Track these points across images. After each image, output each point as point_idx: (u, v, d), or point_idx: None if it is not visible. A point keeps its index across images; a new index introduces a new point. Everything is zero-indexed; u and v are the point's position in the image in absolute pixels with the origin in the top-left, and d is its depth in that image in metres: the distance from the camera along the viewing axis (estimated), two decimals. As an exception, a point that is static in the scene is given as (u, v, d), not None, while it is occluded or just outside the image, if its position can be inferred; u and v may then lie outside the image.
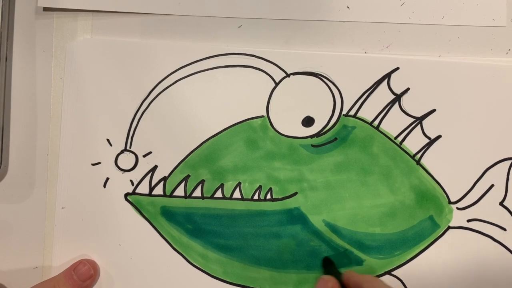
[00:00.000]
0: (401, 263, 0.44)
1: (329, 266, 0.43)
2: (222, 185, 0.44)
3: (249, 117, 0.44)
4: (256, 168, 0.44)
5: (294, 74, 0.44)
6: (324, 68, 0.44)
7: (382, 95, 0.44)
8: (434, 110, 0.44)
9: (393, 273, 0.44)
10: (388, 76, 0.43)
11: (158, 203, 0.44)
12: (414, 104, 0.44)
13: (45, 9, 0.44)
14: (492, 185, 0.44)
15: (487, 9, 0.44)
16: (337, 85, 0.44)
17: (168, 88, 0.44)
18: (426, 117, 0.44)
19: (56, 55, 0.44)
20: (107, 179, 0.44)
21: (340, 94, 0.44)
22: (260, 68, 0.44)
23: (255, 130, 0.44)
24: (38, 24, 0.44)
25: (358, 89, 0.44)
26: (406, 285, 0.44)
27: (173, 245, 0.44)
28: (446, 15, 0.44)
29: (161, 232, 0.44)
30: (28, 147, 0.45)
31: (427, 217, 0.44)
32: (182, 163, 0.44)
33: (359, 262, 0.44)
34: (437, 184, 0.44)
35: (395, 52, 0.44)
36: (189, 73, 0.44)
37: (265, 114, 0.44)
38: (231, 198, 0.44)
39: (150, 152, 0.44)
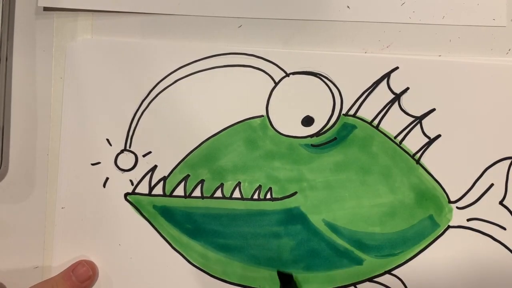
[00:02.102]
0: (401, 262, 0.44)
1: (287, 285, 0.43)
2: (221, 185, 0.44)
3: (249, 116, 0.44)
4: (256, 167, 0.44)
5: (293, 73, 0.44)
6: (323, 68, 0.44)
7: (382, 95, 0.44)
8: (433, 110, 0.44)
9: (393, 272, 0.44)
10: (387, 75, 0.43)
11: (158, 203, 0.44)
12: (413, 104, 0.44)
13: (45, 9, 0.44)
14: (492, 184, 0.44)
15: (487, 9, 0.44)
16: (337, 84, 0.44)
17: (168, 88, 0.44)
18: (425, 116, 0.44)
19: (56, 55, 0.44)
20: (107, 179, 0.44)
21: (339, 93, 0.44)
22: (259, 68, 0.44)
23: (254, 130, 0.44)
24: (38, 24, 0.44)
25: (358, 88, 0.44)
26: (406, 284, 0.44)
27: (173, 244, 0.44)
28: (446, 15, 0.44)
29: (161, 232, 0.44)
30: (28, 147, 0.45)
31: (426, 216, 0.44)
32: (182, 163, 0.44)
33: (359, 261, 0.44)
34: (436, 184, 0.44)
35: (395, 52, 0.44)
36: (189, 73, 0.44)
37: (264, 113, 0.44)
38: (230, 197, 0.44)
39: (150, 152, 0.44)
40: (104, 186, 0.44)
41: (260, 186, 0.44)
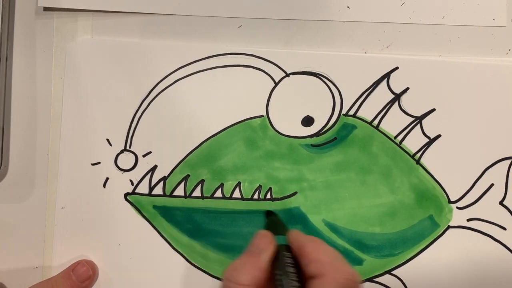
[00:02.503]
0: (401, 262, 0.44)
1: (272, 219, 0.43)
2: (221, 185, 0.44)
3: (249, 116, 0.44)
4: (256, 167, 0.44)
5: (293, 74, 0.44)
6: (323, 68, 0.44)
7: (382, 95, 0.44)
8: (433, 110, 0.44)
9: (393, 272, 0.44)
10: (387, 75, 0.43)
11: (158, 203, 0.44)
12: (413, 104, 0.44)
13: (45, 9, 0.44)
14: (492, 185, 0.44)
15: (487, 9, 0.44)
16: (337, 84, 0.44)
17: (168, 88, 0.44)
18: (425, 116, 0.44)
19: (56, 55, 0.44)
20: (107, 179, 0.44)
21: (339, 93, 0.44)
22: (259, 68, 0.44)
23: (254, 130, 0.44)
24: (38, 24, 0.44)
25: (358, 88, 0.44)
26: (406, 284, 0.44)
27: (173, 245, 0.44)
28: (446, 15, 0.44)
29: (161, 232, 0.44)
30: (28, 147, 0.45)
31: (426, 216, 0.44)
32: (182, 163, 0.44)
33: (359, 261, 0.44)
34: (436, 184, 0.44)
35: (395, 52, 0.44)
36: (189, 73, 0.44)
37: (264, 113, 0.44)
38: (231, 197, 0.44)
39: (150, 152, 0.44)
40: (104, 186, 0.44)
41: (260, 186, 0.44)
